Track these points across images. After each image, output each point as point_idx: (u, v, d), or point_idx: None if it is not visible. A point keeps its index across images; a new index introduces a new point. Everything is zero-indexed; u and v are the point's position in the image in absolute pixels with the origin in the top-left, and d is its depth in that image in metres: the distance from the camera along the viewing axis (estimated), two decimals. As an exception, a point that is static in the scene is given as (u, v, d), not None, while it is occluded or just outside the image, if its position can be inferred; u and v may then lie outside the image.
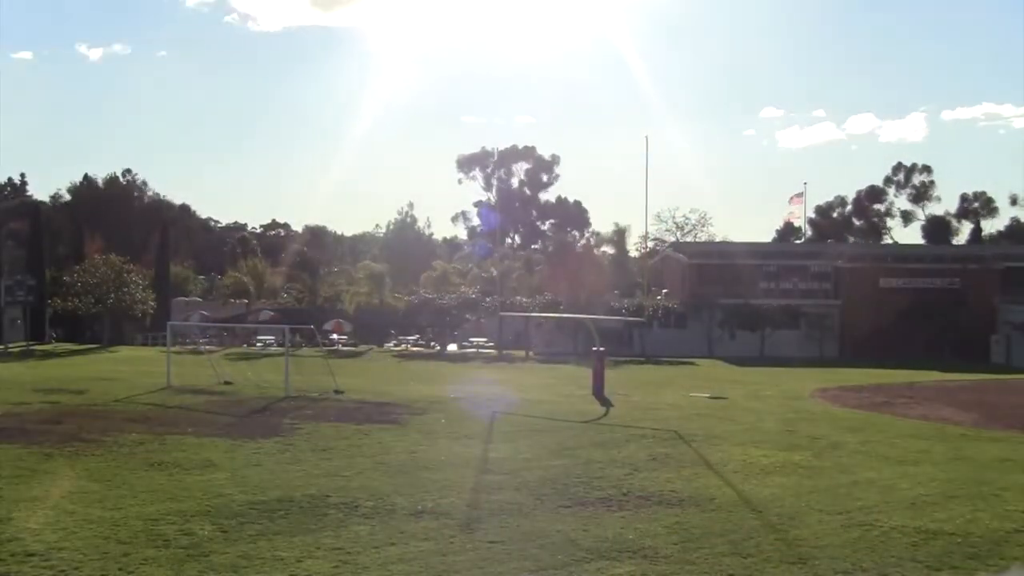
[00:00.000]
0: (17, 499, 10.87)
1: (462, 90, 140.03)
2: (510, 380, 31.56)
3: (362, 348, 48.25)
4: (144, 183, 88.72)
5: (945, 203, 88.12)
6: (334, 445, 15.36)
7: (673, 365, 41.34)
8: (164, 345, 31.07)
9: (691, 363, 42.71)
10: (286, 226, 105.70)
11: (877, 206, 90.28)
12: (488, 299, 51.07)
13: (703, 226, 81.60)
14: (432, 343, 51.16)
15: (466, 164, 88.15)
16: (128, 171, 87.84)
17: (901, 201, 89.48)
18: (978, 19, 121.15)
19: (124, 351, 43.97)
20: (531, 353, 45.59)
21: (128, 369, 31.39)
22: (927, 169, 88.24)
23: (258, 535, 9.52)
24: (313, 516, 10.37)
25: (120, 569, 8.30)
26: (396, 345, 51.29)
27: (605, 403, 23.23)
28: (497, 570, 8.55)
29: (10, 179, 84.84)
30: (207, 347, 38.93)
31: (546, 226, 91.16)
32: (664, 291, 54.91)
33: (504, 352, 46.26)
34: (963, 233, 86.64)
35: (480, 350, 48.43)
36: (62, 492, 11.30)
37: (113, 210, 78.07)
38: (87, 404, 20.55)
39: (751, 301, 49.76)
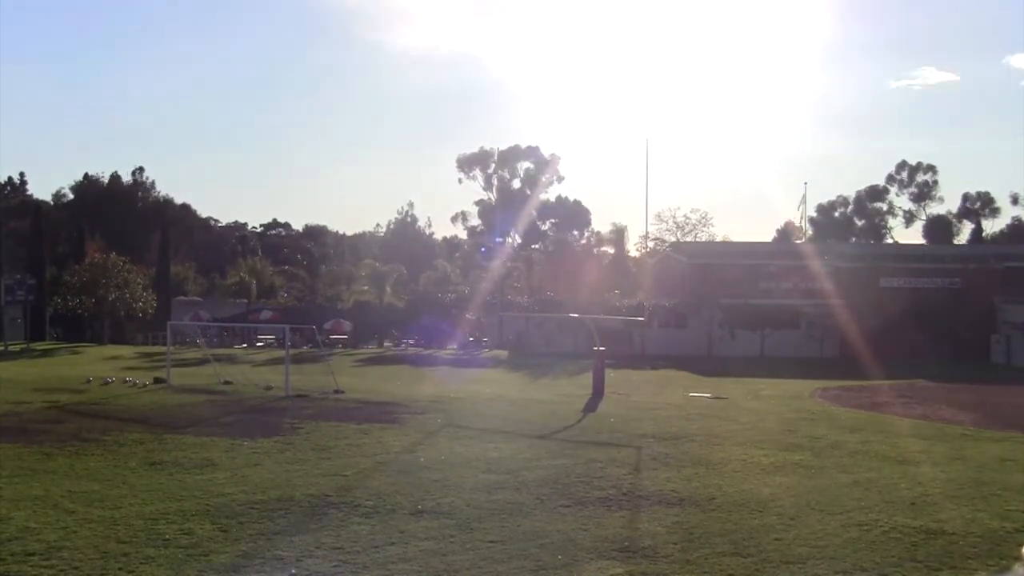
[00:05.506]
0: (17, 499, 10.86)
1: (462, 89, 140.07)
2: (510, 380, 31.57)
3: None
4: (152, 183, 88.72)
5: (947, 203, 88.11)
6: (334, 445, 15.34)
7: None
8: (161, 344, 31.02)
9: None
10: (286, 226, 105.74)
11: (879, 205, 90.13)
12: (489, 298, 51.10)
13: (704, 226, 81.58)
14: (432, 343, 51.14)
15: (466, 164, 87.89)
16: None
17: (903, 200, 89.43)
18: None
19: (122, 349, 43.95)
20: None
21: (127, 369, 31.36)
22: (931, 168, 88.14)
23: (258, 535, 9.51)
24: (313, 516, 10.36)
25: (120, 569, 8.29)
26: (396, 344, 51.24)
27: (605, 403, 23.22)
28: (497, 570, 8.54)
29: (10, 179, 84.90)
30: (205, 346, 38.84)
31: (546, 226, 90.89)
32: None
33: (503, 352, 46.21)
34: (964, 233, 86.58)
35: (479, 349, 48.39)
36: (62, 492, 11.30)
37: (115, 209, 77.97)
38: (87, 404, 20.55)
39: (751, 301, 49.69)
